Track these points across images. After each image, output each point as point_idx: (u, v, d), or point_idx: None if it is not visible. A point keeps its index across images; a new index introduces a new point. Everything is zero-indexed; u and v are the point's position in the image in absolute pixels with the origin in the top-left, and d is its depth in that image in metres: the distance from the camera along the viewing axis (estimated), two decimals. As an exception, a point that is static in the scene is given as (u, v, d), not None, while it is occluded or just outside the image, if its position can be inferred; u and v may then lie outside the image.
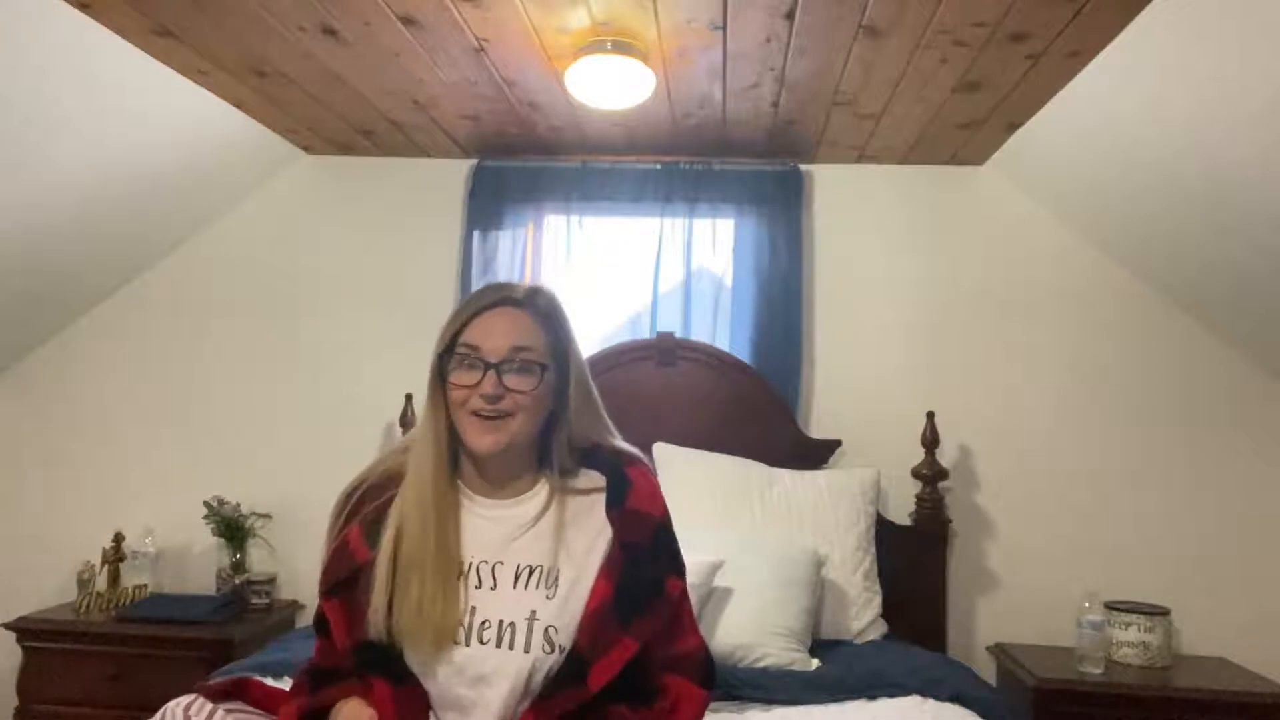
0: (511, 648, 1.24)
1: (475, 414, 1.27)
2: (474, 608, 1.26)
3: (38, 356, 3.18)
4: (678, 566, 1.38)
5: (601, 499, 1.36)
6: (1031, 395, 2.93)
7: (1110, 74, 2.17)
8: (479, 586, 1.28)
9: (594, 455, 1.39)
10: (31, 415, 3.16)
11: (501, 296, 1.33)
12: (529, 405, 1.29)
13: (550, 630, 1.25)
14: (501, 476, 1.35)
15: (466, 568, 1.29)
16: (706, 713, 1.89)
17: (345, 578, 1.29)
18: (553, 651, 1.24)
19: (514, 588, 1.28)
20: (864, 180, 3.07)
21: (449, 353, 1.29)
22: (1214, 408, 2.85)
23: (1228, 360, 2.85)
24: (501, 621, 1.25)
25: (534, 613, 1.25)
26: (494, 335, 1.28)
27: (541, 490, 1.36)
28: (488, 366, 1.26)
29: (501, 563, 1.29)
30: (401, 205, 3.17)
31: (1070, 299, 2.93)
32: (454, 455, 1.34)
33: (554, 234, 3.13)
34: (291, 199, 3.20)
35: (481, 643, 1.24)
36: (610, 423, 1.43)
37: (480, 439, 1.28)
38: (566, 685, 1.24)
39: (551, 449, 1.35)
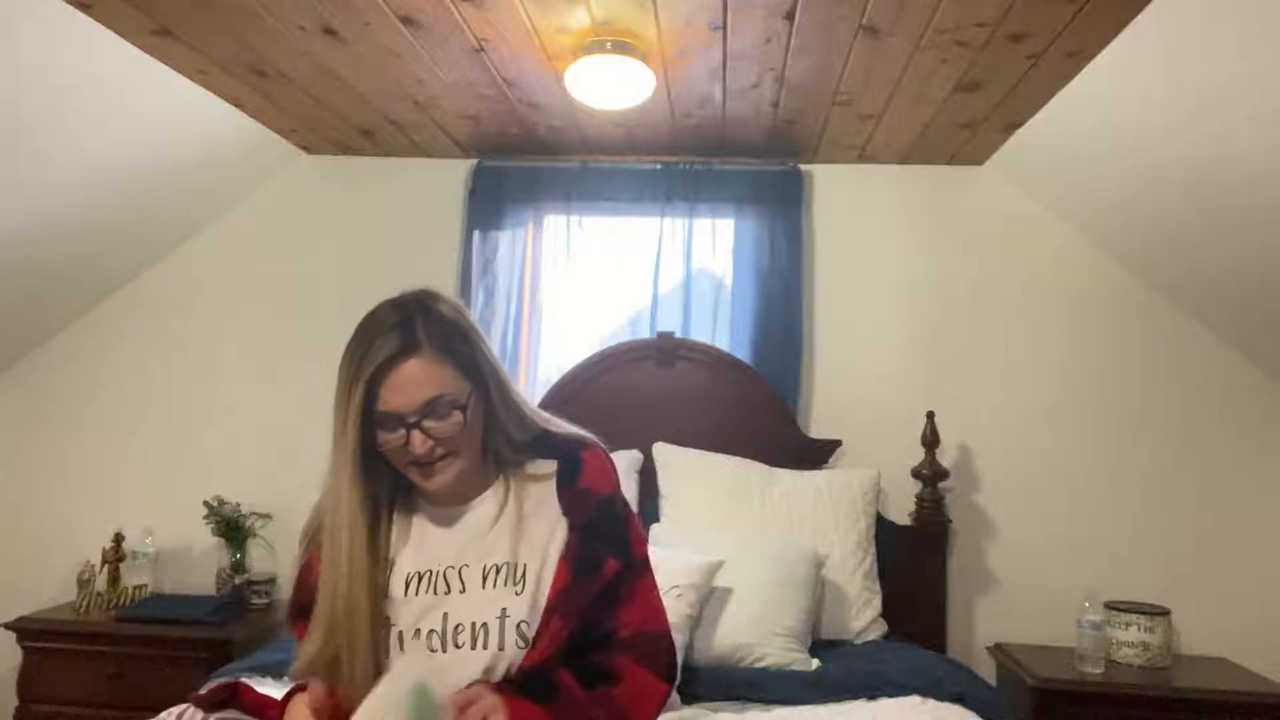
0: (486, 647, 1.24)
1: (414, 463, 1.25)
2: (446, 613, 1.25)
3: (38, 356, 3.18)
4: (619, 549, 1.32)
5: (554, 486, 1.35)
6: (1032, 395, 2.93)
7: (1110, 74, 2.17)
8: (447, 592, 1.27)
9: (548, 444, 1.37)
10: (31, 415, 3.16)
11: (397, 348, 1.20)
12: (462, 440, 1.26)
13: (522, 625, 1.25)
14: (456, 493, 1.34)
15: (433, 576, 1.29)
16: (707, 713, 1.89)
17: (310, 600, 1.28)
18: (526, 646, 1.24)
19: (483, 588, 1.27)
20: (864, 180, 3.07)
21: (368, 422, 1.23)
22: (1214, 408, 2.85)
23: (1228, 360, 2.85)
24: (474, 623, 1.25)
25: (504, 610, 1.25)
26: (402, 393, 1.21)
27: (497, 488, 1.35)
28: (408, 426, 1.22)
29: (468, 565, 1.29)
30: (401, 205, 3.17)
31: (1070, 299, 2.94)
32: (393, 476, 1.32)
33: (554, 234, 3.13)
34: (291, 199, 3.20)
35: (457, 647, 1.24)
36: (534, 407, 1.39)
37: (429, 484, 1.26)
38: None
39: (492, 449, 1.33)
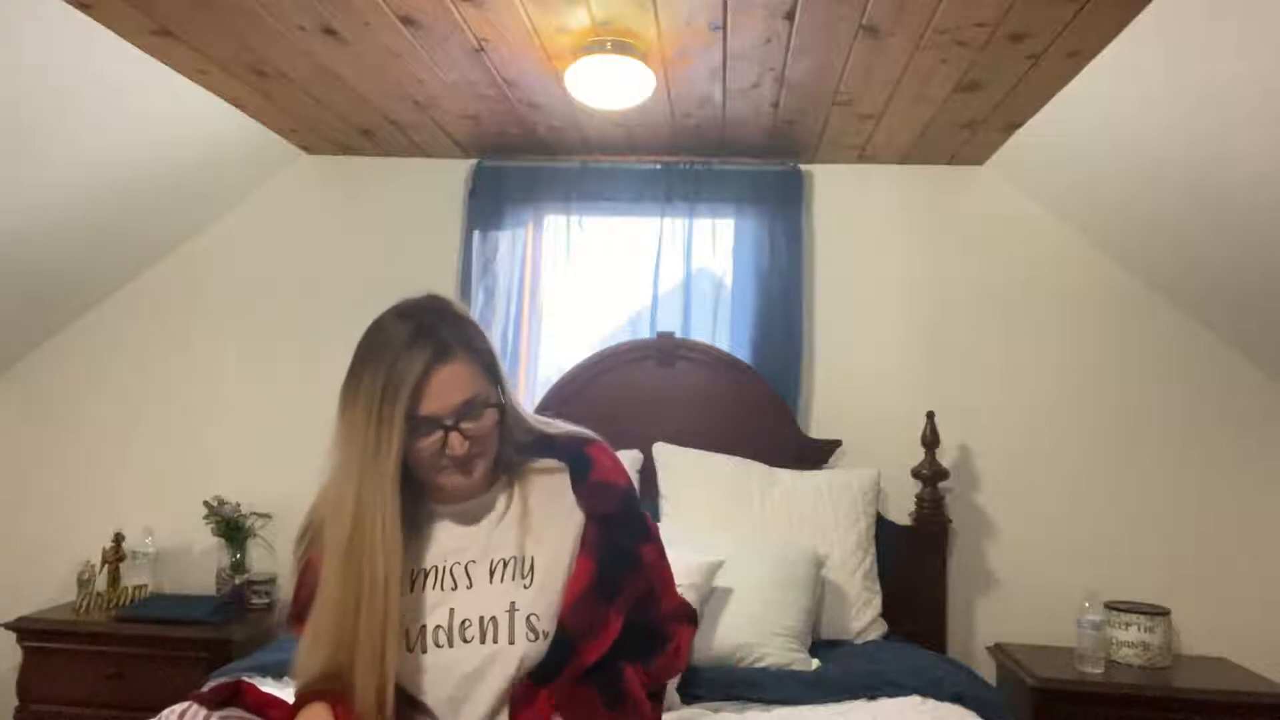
0: (495, 641, 1.24)
1: (448, 465, 1.26)
2: (452, 609, 1.26)
3: (38, 356, 3.18)
4: (648, 532, 1.40)
5: (565, 480, 1.36)
6: (1031, 395, 2.93)
7: (1110, 74, 2.17)
8: (454, 588, 1.28)
9: (549, 444, 1.39)
10: (31, 415, 3.16)
11: (431, 355, 1.21)
12: (490, 437, 1.28)
13: (532, 618, 1.25)
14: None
15: (440, 573, 1.29)
16: (707, 713, 1.90)
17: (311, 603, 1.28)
18: (537, 639, 1.24)
19: (490, 582, 1.28)
20: (864, 180, 3.07)
21: (408, 426, 1.23)
22: (1214, 408, 2.85)
23: (1228, 360, 2.85)
24: (482, 618, 1.25)
25: (513, 603, 1.26)
26: (439, 397, 1.22)
27: (500, 484, 1.36)
28: (447, 429, 1.23)
29: (474, 561, 1.29)
30: (401, 205, 3.17)
31: (1070, 299, 2.93)
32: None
33: (554, 234, 3.13)
34: (291, 199, 3.20)
35: (465, 642, 1.24)
36: (529, 411, 1.42)
37: (456, 484, 1.27)
38: (560, 666, 1.25)
39: (500, 452, 1.34)
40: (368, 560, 1.20)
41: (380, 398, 1.20)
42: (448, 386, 1.22)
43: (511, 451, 1.35)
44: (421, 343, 1.21)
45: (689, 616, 1.47)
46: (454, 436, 1.23)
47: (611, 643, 1.29)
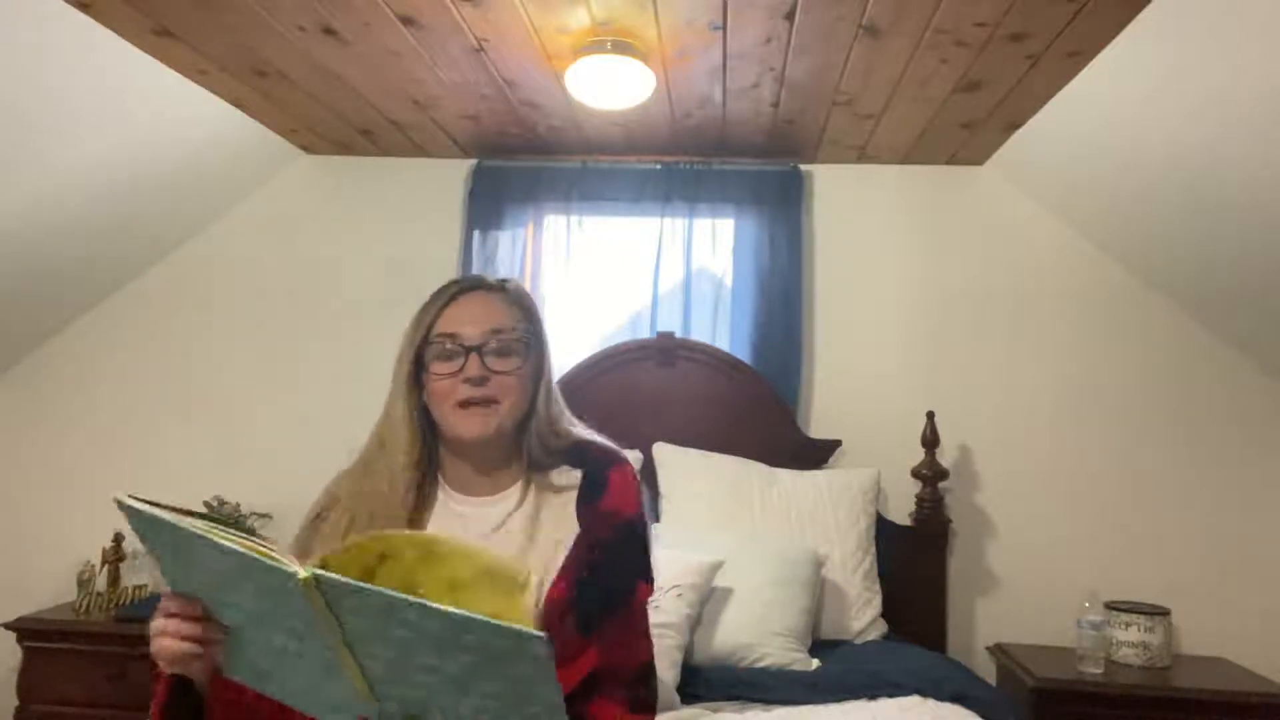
0: None
1: (460, 405, 1.24)
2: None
3: (38, 356, 3.18)
4: (647, 572, 1.30)
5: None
6: (1031, 395, 2.93)
7: (1110, 74, 2.17)
8: None
9: (580, 454, 1.34)
10: (32, 415, 3.16)
11: (473, 282, 1.33)
12: (514, 387, 1.26)
13: None
14: (483, 471, 1.31)
15: None
16: (707, 713, 1.88)
17: None
18: None
19: None
20: (864, 180, 3.07)
21: (425, 345, 1.28)
22: (1213, 408, 2.85)
23: (1228, 360, 2.85)
24: None
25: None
26: (470, 320, 1.26)
27: (518, 490, 1.32)
28: (468, 350, 1.24)
29: None
30: (401, 205, 3.17)
31: (1070, 299, 2.93)
32: (430, 452, 1.32)
33: (554, 234, 3.13)
34: (291, 199, 3.20)
35: None
36: (571, 416, 1.38)
37: (467, 426, 1.24)
38: None
39: (527, 443, 1.31)
40: (388, 452, 1.28)
41: (416, 319, 1.31)
42: (476, 310, 1.28)
43: (540, 450, 1.31)
44: (467, 280, 1.33)
45: (633, 690, 1.23)
46: (473, 358, 1.24)
47: (579, 680, 1.17)
